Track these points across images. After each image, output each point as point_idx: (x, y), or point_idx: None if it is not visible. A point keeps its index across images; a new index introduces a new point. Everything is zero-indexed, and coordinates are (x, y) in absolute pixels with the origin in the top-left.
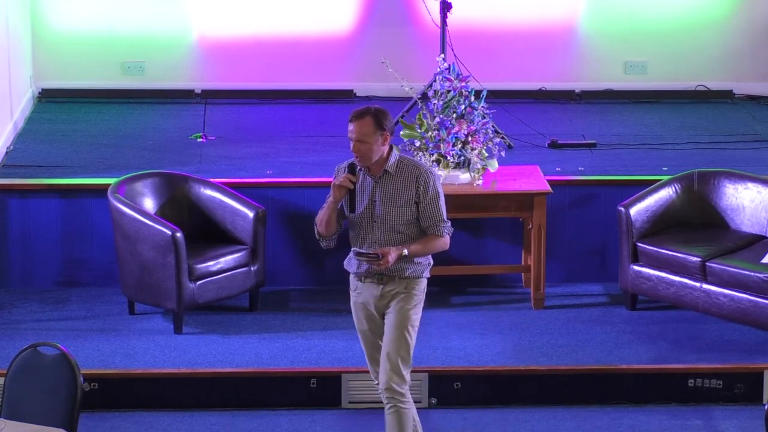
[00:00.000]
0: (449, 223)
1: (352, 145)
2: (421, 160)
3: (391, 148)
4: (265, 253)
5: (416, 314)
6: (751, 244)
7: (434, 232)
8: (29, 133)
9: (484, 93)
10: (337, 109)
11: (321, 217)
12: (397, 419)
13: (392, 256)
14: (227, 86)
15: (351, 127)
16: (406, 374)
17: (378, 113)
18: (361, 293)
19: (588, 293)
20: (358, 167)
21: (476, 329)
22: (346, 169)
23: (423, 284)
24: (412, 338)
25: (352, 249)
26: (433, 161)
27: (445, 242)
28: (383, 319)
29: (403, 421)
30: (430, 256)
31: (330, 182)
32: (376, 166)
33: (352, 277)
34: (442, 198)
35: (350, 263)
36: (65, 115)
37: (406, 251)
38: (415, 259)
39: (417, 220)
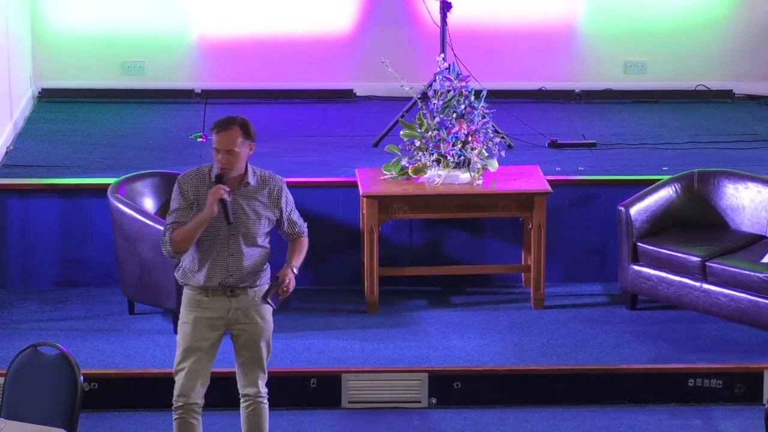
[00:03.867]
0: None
1: (219, 156)
2: (422, 159)
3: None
4: None
5: (271, 322)
6: (751, 243)
7: (300, 236)
8: (29, 133)
9: (484, 93)
10: (337, 109)
11: (184, 234)
12: (263, 413)
13: (291, 277)
14: (227, 86)
15: (217, 137)
16: (266, 376)
17: (244, 123)
18: (207, 308)
19: (588, 293)
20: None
21: (476, 329)
22: (215, 180)
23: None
24: (270, 345)
25: (187, 265)
26: (433, 161)
27: (307, 242)
28: (222, 334)
29: (266, 413)
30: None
31: (330, 182)
32: (236, 176)
33: (192, 292)
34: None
35: (187, 276)
36: (65, 115)
37: (296, 266)
38: (264, 267)
39: (269, 232)
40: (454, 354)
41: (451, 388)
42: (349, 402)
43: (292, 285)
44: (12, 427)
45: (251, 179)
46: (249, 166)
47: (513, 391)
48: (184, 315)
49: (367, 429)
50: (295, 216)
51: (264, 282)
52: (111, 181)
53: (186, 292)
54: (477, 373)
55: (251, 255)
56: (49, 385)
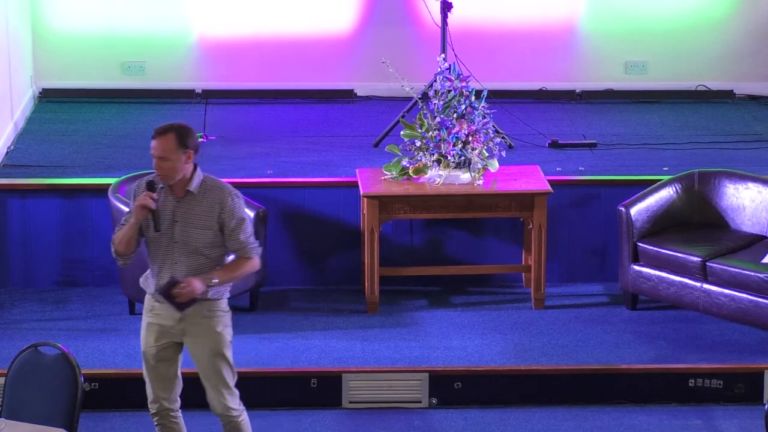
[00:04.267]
0: (257, 243)
1: (153, 162)
2: (422, 159)
3: (195, 168)
4: (266, 253)
5: (228, 334)
6: (751, 244)
7: (243, 255)
8: (29, 133)
9: (485, 93)
10: (337, 109)
11: (120, 236)
12: (242, 428)
13: (198, 286)
14: (227, 86)
15: (153, 143)
16: (235, 390)
17: (181, 130)
18: (158, 314)
19: (588, 293)
20: (160, 185)
21: (477, 329)
22: (145, 186)
23: (224, 304)
24: (229, 357)
25: (149, 271)
26: (433, 161)
27: (254, 263)
28: (177, 342)
29: (245, 428)
30: None
31: (331, 182)
32: (179, 185)
33: (148, 297)
34: (248, 218)
35: (147, 282)
36: (65, 115)
37: (215, 279)
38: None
39: (220, 243)
40: (455, 354)
41: (452, 388)
42: (350, 402)
43: (193, 291)
44: (12, 427)
45: (193, 188)
46: (199, 174)
47: (513, 391)
48: (142, 319)
49: (368, 429)
50: (243, 235)
51: (218, 295)
52: (111, 181)
53: (146, 297)
54: (477, 373)
55: (195, 266)
56: (50, 385)
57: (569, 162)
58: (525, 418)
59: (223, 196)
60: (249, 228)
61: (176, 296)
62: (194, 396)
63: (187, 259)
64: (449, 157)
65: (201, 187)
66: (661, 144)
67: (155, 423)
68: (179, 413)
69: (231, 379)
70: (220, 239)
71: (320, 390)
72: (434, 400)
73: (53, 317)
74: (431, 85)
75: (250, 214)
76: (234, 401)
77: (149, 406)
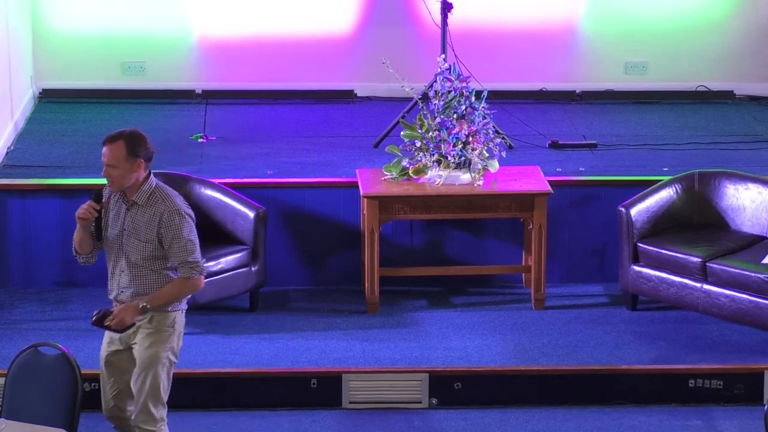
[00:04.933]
0: (200, 262)
1: (103, 169)
2: (422, 159)
3: (147, 177)
4: (266, 254)
5: (166, 351)
6: (751, 244)
7: (182, 274)
8: (30, 133)
9: (485, 93)
10: (337, 109)
11: (75, 236)
12: None
13: (127, 317)
14: (227, 86)
15: (103, 150)
16: (157, 412)
17: (132, 138)
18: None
19: (588, 294)
20: (108, 194)
21: (477, 329)
22: (93, 195)
23: (173, 318)
24: (163, 376)
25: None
26: (433, 161)
27: (193, 284)
28: (129, 349)
29: None
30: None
31: (331, 183)
32: (131, 192)
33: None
34: (191, 236)
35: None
36: (65, 115)
37: (145, 305)
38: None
39: (162, 256)
40: (455, 354)
41: (452, 389)
42: (350, 402)
43: (122, 322)
44: (12, 427)
45: (139, 198)
46: (149, 184)
47: (513, 391)
48: None
49: (368, 429)
50: (182, 253)
51: (174, 308)
52: None
53: None
54: (477, 374)
55: (140, 276)
56: (50, 386)
57: (569, 162)
58: (525, 419)
59: (164, 210)
60: (189, 246)
61: (108, 328)
62: (194, 395)
63: (131, 270)
64: (449, 158)
65: (149, 198)
66: (661, 144)
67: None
68: (126, 421)
69: (157, 396)
70: (161, 253)
71: (320, 390)
72: (434, 401)
73: (53, 317)
74: (431, 86)
75: (250, 214)
76: (150, 421)
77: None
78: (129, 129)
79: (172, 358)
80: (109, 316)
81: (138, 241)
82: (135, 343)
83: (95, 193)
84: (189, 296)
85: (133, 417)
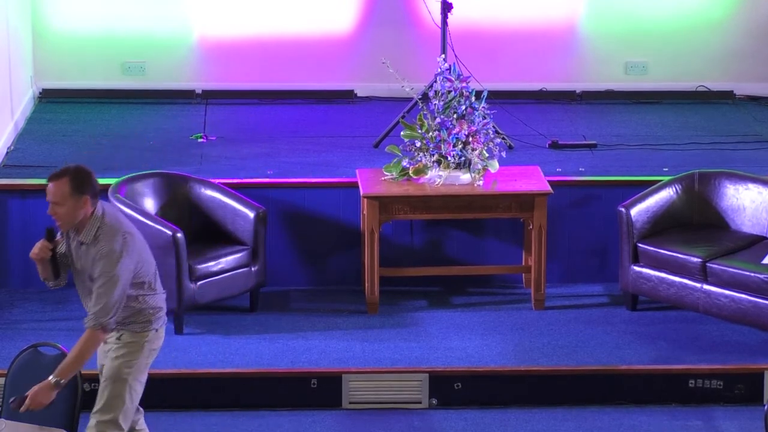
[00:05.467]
0: (109, 316)
1: (48, 207)
2: (422, 159)
3: (92, 214)
4: (266, 254)
5: (129, 366)
6: (751, 244)
7: (86, 324)
8: (30, 133)
9: (485, 93)
10: (337, 109)
11: (38, 271)
12: None
13: (43, 398)
14: (227, 86)
15: (48, 187)
16: (108, 424)
17: (77, 175)
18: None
19: (588, 294)
20: (59, 232)
21: (477, 330)
22: (45, 233)
23: (143, 337)
24: (122, 391)
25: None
26: (433, 161)
27: (94, 337)
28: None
29: None
30: (157, 303)
31: (331, 183)
32: (80, 230)
33: None
34: (112, 284)
35: None
36: (65, 115)
37: (57, 379)
38: (136, 307)
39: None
40: (455, 354)
41: (452, 389)
42: (350, 402)
43: (40, 404)
44: (12, 427)
45: (86, 237)
46: (94, 222)
47: (514, 391)
48: None
49: (368, 429)
50: (98, 297)
51: (133, 328)
52: (111, 181)
53: None
54: (477, 374)
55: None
56: None
57: (569, 162)
58: (525, 419)
59: (103, 251)
60: (107, 294)
61: (26, 411)
62: (194, 395)
63: (86, 304)
64: (449, 158)
65: (94, 237)
66: (661, 144)
67: None
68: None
69: (111, 411)
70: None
71: (320, 390)
72: (434, 401)
73: (53, 317)
74: (431, 86)
75: (250, 214)
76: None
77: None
78: (74, 165)
79: (136, 381)
80: (23, 404)
81: (88, 280)
82: (103, 355)
83: (47, 230)
84: (161, 315)
85: (90, 422)
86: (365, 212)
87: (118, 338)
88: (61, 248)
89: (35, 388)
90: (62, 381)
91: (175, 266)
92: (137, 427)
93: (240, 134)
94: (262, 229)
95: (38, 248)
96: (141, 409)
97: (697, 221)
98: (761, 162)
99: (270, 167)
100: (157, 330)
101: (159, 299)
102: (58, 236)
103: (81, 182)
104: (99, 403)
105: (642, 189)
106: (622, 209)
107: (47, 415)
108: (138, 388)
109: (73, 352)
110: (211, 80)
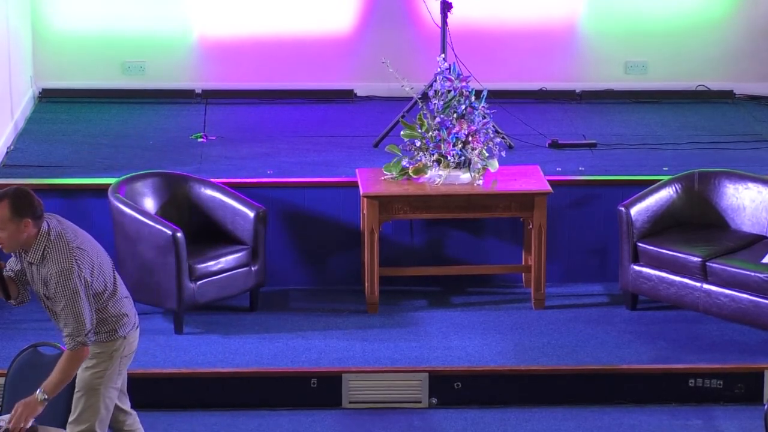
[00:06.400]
0: (85, 332)
1: None
2: (422, 159)
3: (37, 234)
4: (266, 253)
5: (100, 377)
6: (751, 244)
7: (66, 346)
8: (30, 133)
9: (485, 93)
10: (337, 109)
11: None
12: None
13: (31, 414)
14: (227, 86)
15: None
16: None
17: (17, 198)
18: None
19: (588, 293)
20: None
21: (477, 329)
22: None
23: (113, 346)
24: (96, 402)
25: None
26: (433, 161)
27: (78, 355)
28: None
29: None
30: (120, 310)
31: (331, 182)
32: (26, 251)
33: None
34: (74, 301)
35: None
36: (65, 115)
37: (44, 397)
38: (97, 317)
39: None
40: (455, 354)
41: (452, 388)
42: (350, 402)
43: (29, 417)
44: None
45: (34, 258)
46: (40, 242)
47: (513, 391)
48: None
49: (368, 429)
50: (66, 317)
51: (99, 338)
52: (111, 181)
53: None
54: (477, 373)
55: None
56: None
57: (569, 162)
58: (525, 418)
59: (48, 272)
60: (74, 312)
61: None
62: (194, 395)
63: (56, 318)
64: (449, 157)
65: (42, 257)
66: (661, 144)
67: None
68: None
69: (87, 421)
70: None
71: (320, 390)
72: (434, 400)
73: None
74: (431, 85)
75: (250, 214)
76: None
77: None
78: (14, 188)
79: (109, 389)
80: (12, 420)
81: (47, 299)
82: None
83: None
84: (127, 321)
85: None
86: (365, 212)
87: (96, 349)
88: (16, 266)
89: (22, 402)
90: (48, 397)
91: (175, 266)
92: (127, 429)
93: (240, 134)
94: (262, 229)
95: None
96: (133, 412)
97: (697, 221)
98: (761, 162)
99: (270, 167)
100: (125, 336)
101: (122, 305)
102: (3, 260)
103: (20, 206)
104: (74, 414)
105: (642, 188)
106: (622, 209)
107: (47, 415)
108: (113, 395)
109: (59, 371)
110: (211, 80)
